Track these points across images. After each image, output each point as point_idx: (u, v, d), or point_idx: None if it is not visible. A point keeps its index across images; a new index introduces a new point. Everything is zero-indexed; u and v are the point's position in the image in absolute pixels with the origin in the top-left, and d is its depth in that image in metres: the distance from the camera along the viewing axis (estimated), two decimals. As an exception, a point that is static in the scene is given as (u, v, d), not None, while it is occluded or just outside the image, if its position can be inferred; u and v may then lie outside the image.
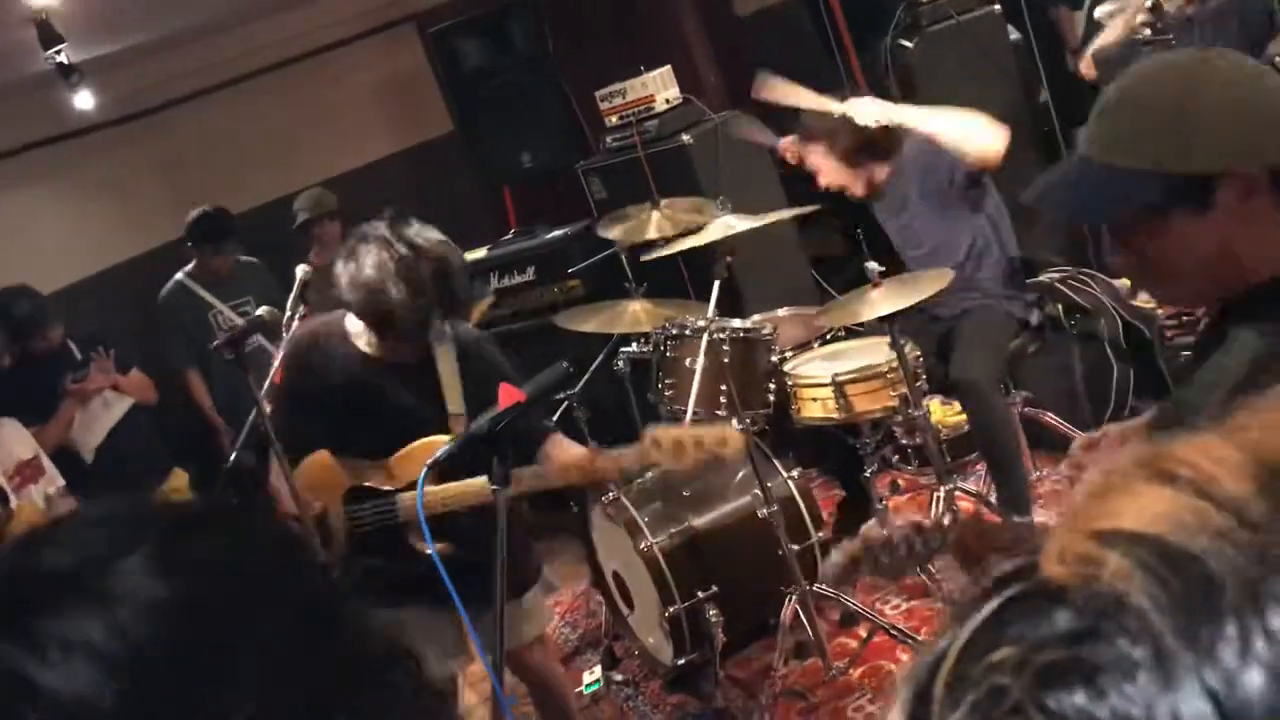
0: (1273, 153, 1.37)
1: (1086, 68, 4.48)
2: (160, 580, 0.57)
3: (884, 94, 5.32)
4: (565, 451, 2.71)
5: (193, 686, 0.55)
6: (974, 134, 3.46)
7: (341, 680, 0.60)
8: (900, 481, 4.55)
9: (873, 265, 3.42)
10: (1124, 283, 4.47)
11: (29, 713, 0.53)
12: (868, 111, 3.60)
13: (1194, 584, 0.32)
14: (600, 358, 4.36)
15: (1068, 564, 0.35)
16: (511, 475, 2.08)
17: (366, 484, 2.83)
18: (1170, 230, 1.40)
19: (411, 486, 2.65)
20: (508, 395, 1.90)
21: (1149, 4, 2.79)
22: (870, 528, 1.67)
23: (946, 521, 1.66)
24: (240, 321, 4.99)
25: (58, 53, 4.37)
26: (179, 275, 5.22)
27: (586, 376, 4.31)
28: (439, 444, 2.63)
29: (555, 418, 4.31)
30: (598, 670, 4.01)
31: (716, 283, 3.45)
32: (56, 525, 0.61)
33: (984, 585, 0.37)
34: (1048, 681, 0.33)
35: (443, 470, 2.38)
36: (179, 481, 4.65)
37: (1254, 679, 0.31)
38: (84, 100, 5.23)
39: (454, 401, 2.78)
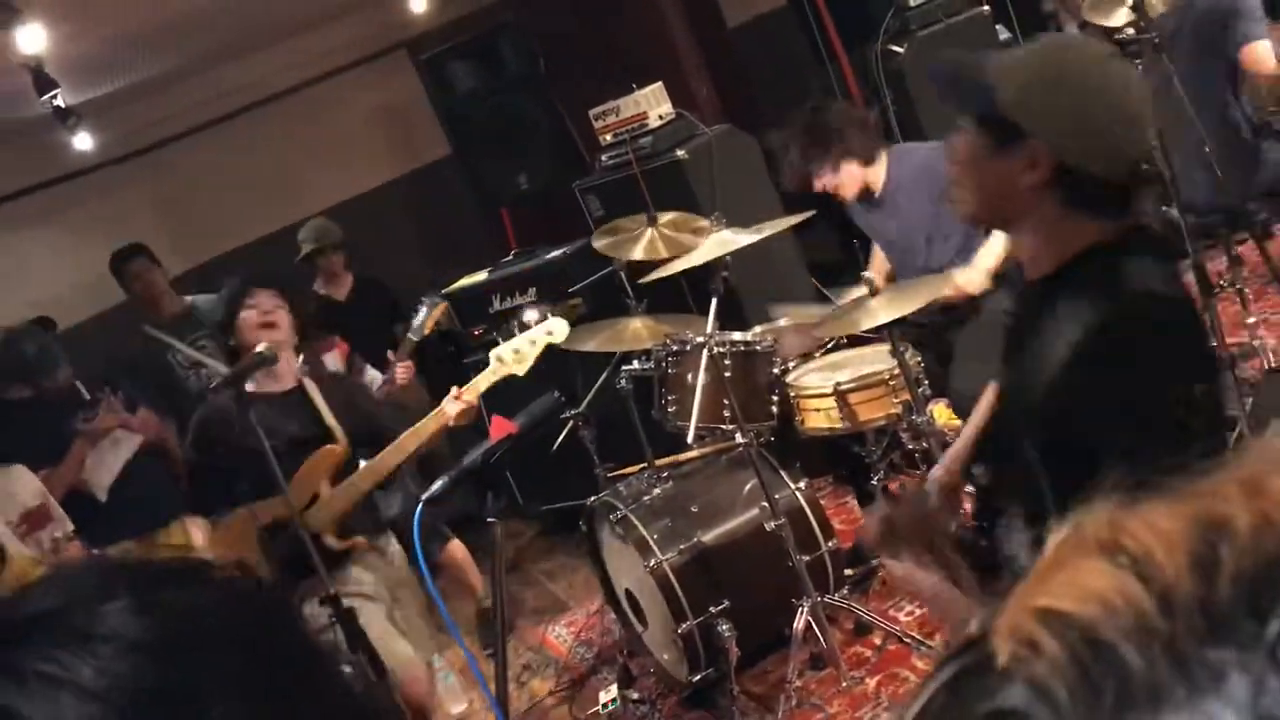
0: (1065, 151, 1.63)
1: None
2: (141, 622, 0.60)
3: (877, 99, 5.35)
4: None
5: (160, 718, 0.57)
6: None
7: (313, 714, 0.62)
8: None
9: (869, 274, 3.42)
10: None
11: None
12: (974, 283, 3.74)
13: (1106, 679, 0.33)
14: (603, 376, 4.36)
15: (1010, 641, 0.35)
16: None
17: (272, 520, 3.20)
18: (974, 147, 1.72)
19: (308, 507, 3.25)
20: (500, 427, 1.92)
21: (1130, 2, 2.80)
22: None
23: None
24: (202, 358, 5.01)
25: (53, 98, 4.40)
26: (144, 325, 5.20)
27: (590, 396, 4.32)
28: (329, 454, 3.29)
29: (561, 438, 4.33)
30: (614, 689, 4.00)
31: (714, 299, 3.45)
32: (44, 576, 0.64)
33: (946, 651, 0.38)
34: None
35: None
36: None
37: None
38: (83, 141, 5.28)
39: (329, 416, 3.33)
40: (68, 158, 5.44)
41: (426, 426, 3.23)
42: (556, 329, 3.32)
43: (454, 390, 3.26)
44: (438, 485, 1.87)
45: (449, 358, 6.05)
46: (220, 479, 3.25)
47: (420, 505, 1.81)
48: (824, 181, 4.03)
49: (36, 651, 0.58)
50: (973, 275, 3.76)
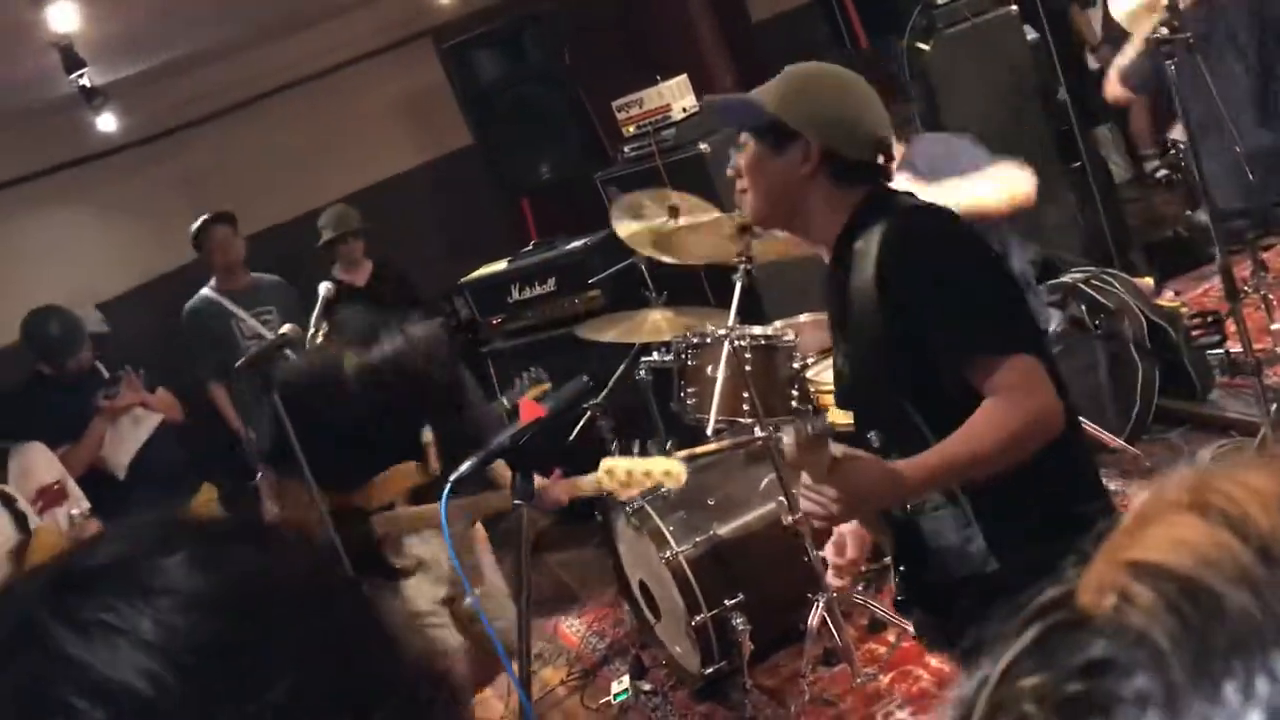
0: (831, 140, 1.97)
1: (1112, 90, 4.43)
2: (200, 577, 0.60)
3: (903, 96, 5.32)
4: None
5: (229, 678, 0.57)
6: (998, 193, 3.46)
7: (373, 687, 0.61)
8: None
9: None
10: (1147, 282, 4.44)
11: (72, 693, 0.55)
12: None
13: (1211, 623, 0.33)
14: (622, 367, 4.36)
15: (1102, 594, 0.35)
16: (478, 501, 2.30)
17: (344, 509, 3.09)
18: (753, 152, 2.05)
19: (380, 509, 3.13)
20: (529, 410, 1.91)
21: (1165, 4, 2.78)
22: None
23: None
24: (265, 331, 5.06)
25: (80, 76, 4.42)
26: (205, 289, 5.29)
27: (609, 387, 4.32)
28: (412, 470, 3.12)
29: (579, 428, 4.33)
30: (626, 680, 4.01)
31: (737, 290, 3.44)
32: (106, 530, 0.65)
33: (1027, 612, 0.37)
34: (1066, 713, 0.34)
35: None
36: (208, 495, 4.69)
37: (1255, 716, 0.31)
38: (107, 122, 5.29)
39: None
40: (93, 138, 5.46)
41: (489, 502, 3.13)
42: (675, 471, 2.78)
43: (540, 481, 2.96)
44: (466, 466, 1.87)
45: (466, 346, 6.07)
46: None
47: (448, 487, 1.81)
48: None
49: (97, 601, 0.58)
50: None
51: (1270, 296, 4.11)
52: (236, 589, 0.61)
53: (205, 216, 5.27)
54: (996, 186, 3.49)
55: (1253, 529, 0.34)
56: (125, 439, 4.54)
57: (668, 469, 2.64)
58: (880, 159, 2.03)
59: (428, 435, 3.08)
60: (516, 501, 1.79)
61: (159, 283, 5.96)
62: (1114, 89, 4.38)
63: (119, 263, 5.94)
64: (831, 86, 2.04)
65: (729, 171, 2.09)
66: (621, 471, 2.59)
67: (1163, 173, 6.43)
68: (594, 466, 4.29)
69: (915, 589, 2.13)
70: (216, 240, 5.25)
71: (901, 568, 2.15)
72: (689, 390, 3.68)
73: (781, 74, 2.08)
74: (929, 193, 3.47)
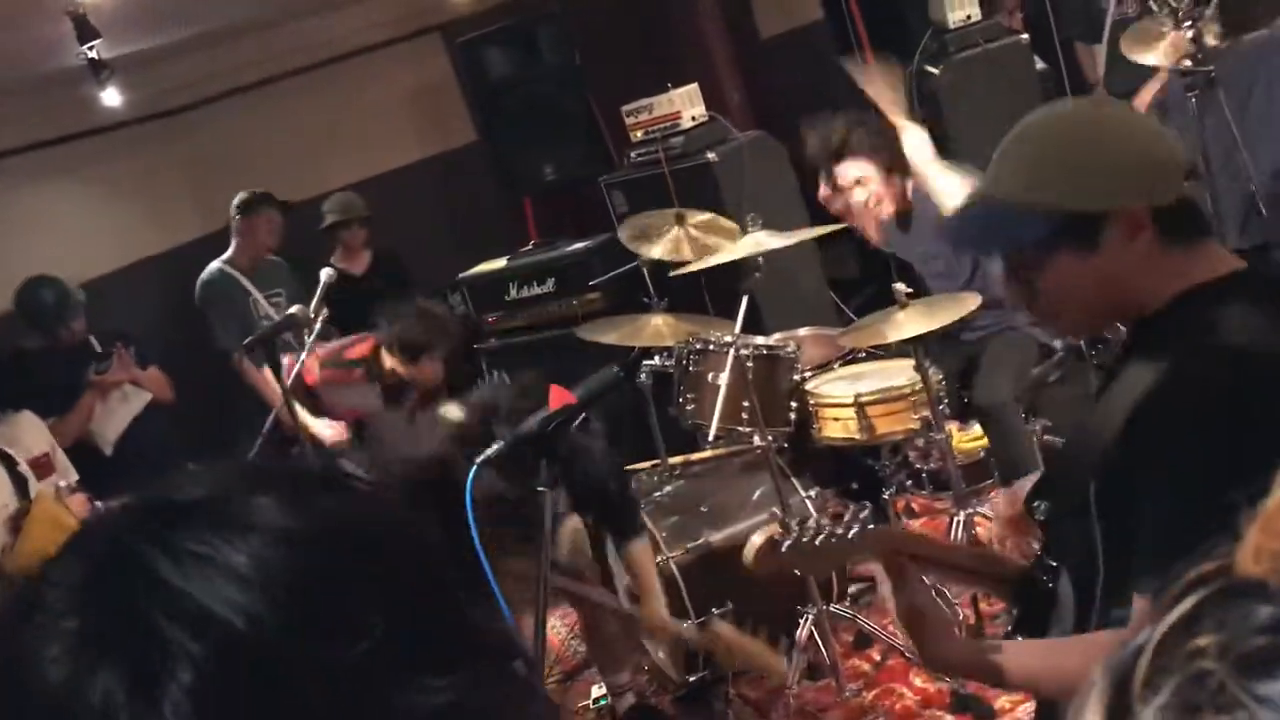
0: (1154, 194, 1.47)
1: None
2: (294, 516, 0.59)
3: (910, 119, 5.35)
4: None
5: (323, 619, 0.56)
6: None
7: (459, 644, 0.61)
8: (915, 506, 4.54)
9: (900, 286, 3.42)
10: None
11: (164, 620, 0.54)
12: (910, 144, 3.61)
13: None
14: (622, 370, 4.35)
15: (1264, 562, 0.36)
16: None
17: None
18: (1058, 266, 1.51)
19: None
20: (558, 396, 1.91)
21: (1190, 36, 2.81)
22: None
23: (866, 523, 1.61)
24: (275, 314, 5.05)
25: (91, 48, 4.39)
26: (217, 262, 5.24)
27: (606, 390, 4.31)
28: None
29: (574, 428, 4.31)
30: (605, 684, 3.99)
31: (745, 298, 3.45)
32: (190, 470, 0.63)
33: (1178, 586, 0.38)
34: (1253, 667, 0.34)
35: None
36: None
37: None
38: (111, 97, 5.26)
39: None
40: (97, 112, 5.41)
41: None
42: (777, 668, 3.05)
43: None
44: (493, 449, 1.86)
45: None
46: None
47: (474, 469, 1.80)
48: (870, 190, 3.92)
49: (190, 533, 0.57)
50: (917, 146, 3.69)
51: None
52: (328, 530, 0.60)
53: (257, 191, 5.24)
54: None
55: None
56: (114, 415, 4.52)
57: (772, 663, 2.82)
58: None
59: None
60: (540, 488, 1.78)
61: (155, 261, 5.92)
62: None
63: (115, 240, 5.90)
64: (1096, 134, 1.54)
65: (1008, 292, 1.60)
66: (728, 642, 2.72)
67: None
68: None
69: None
70: (265, 219, 5.23)
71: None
72: (689, 396, 3.69)
73: (1009, 148, 1.57)
74: None
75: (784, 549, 1.61)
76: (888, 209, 3.92)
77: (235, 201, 5.23)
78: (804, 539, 1.63)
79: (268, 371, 4.75)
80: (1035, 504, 1.71)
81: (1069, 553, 1.60)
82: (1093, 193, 1.47)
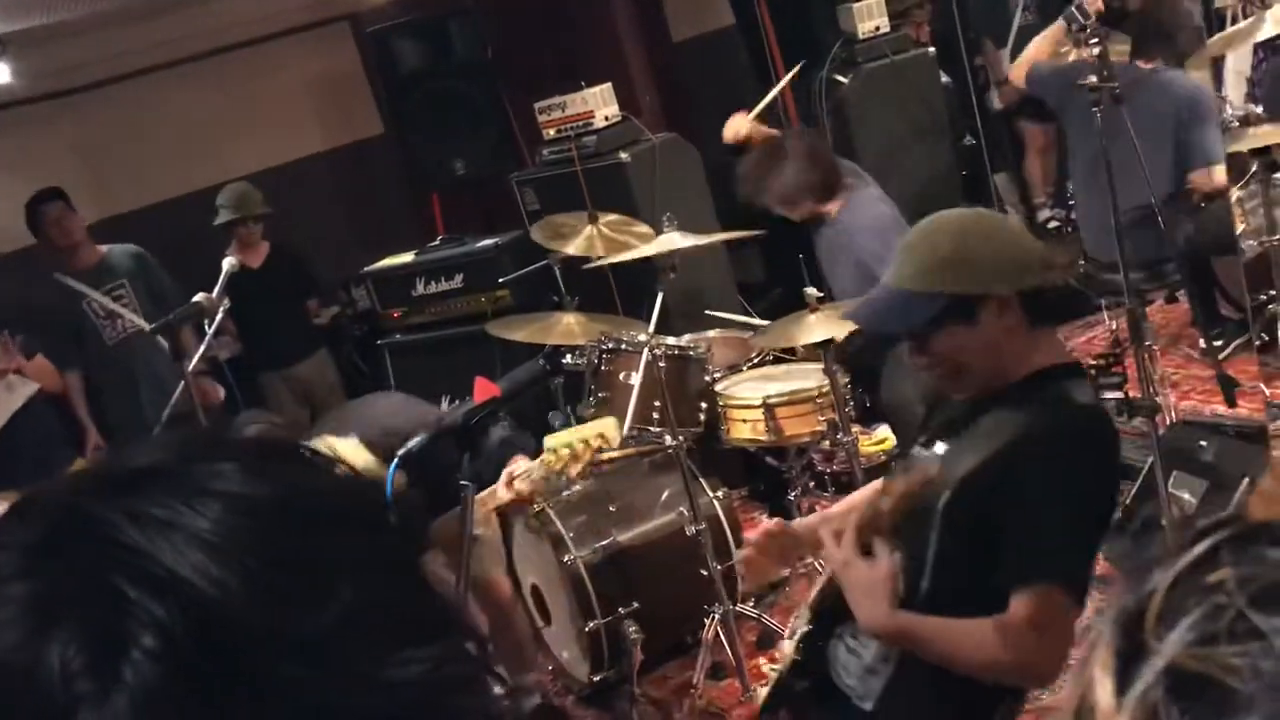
0: (1019, 282, 1.87)
1: (1018, 73, 4.61)
2: (259, 484, 0.57)
3: (815, 126, 5.44)
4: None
5: (293, 586, 0.54)
6: None
7: (426, 620, 0.60)
8: (818, 508, 4.59)
9: (811, 290, 3.47)
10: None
11: (127, 583, 0.52)
12: None
13: None
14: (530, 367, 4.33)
15: (1275, 507, 0.37)
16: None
17: None
18: (947, 337, 1.90)
19: None
20: (483, 389, 1.88)
21: (1097, 51, 2.90)
22: None
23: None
24: (119, 308, 4.90)
25: (-19, 22, 4.21)
26: (55, 274, 5.00)
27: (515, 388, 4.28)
28: None
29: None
30: (509, 683, 3.96)
31: (660, 298, 3.46)
32: (149, 437, 0.61)
33: (1189, 534, 0.39)
34: (1270, 600, 0.35)
35: None
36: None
37: None
38: (2, 74, 5.06)
39: None
40: (-18, 90, 5.20)
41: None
42: (609, 433, 2.74)
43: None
44: (414, 442, 1.83)
45: (363, 338, 5.95)
46: None
47: (395, 462, 1.76)
48: (801, 210, 3.98)
49: (151, 497, 0.55)
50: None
51: (1154, 346, 4.30)
52: (292, 500, 0.58)
53: (32, 196, 4.94)
54: None
55: None
56: (-2, 404, 4.34)
57: (601, 431, 2.62)
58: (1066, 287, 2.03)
59: None
60: (464, 484, 1.76)
61: (41, 249, 5.70)
62: (1019, 75, 4.54)
63: (2, 224, 5.66)
64: (978, 230, 1.93)
65: (925, 366, 1.96)
66: (563, 447, 2.50)
67: (1054, 223, 6.67)
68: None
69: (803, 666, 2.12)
70: (50, 220, 4.91)
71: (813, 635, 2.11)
72: (600, 395, 3.68)
73: (908, 247, 1.96)
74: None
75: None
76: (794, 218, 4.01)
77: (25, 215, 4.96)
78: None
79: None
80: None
81: (911, 563, 1.90)
82: (970, 280, 1.86)
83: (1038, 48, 4.53)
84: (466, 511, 1.75)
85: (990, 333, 1.87)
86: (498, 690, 0.65)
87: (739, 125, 4.35)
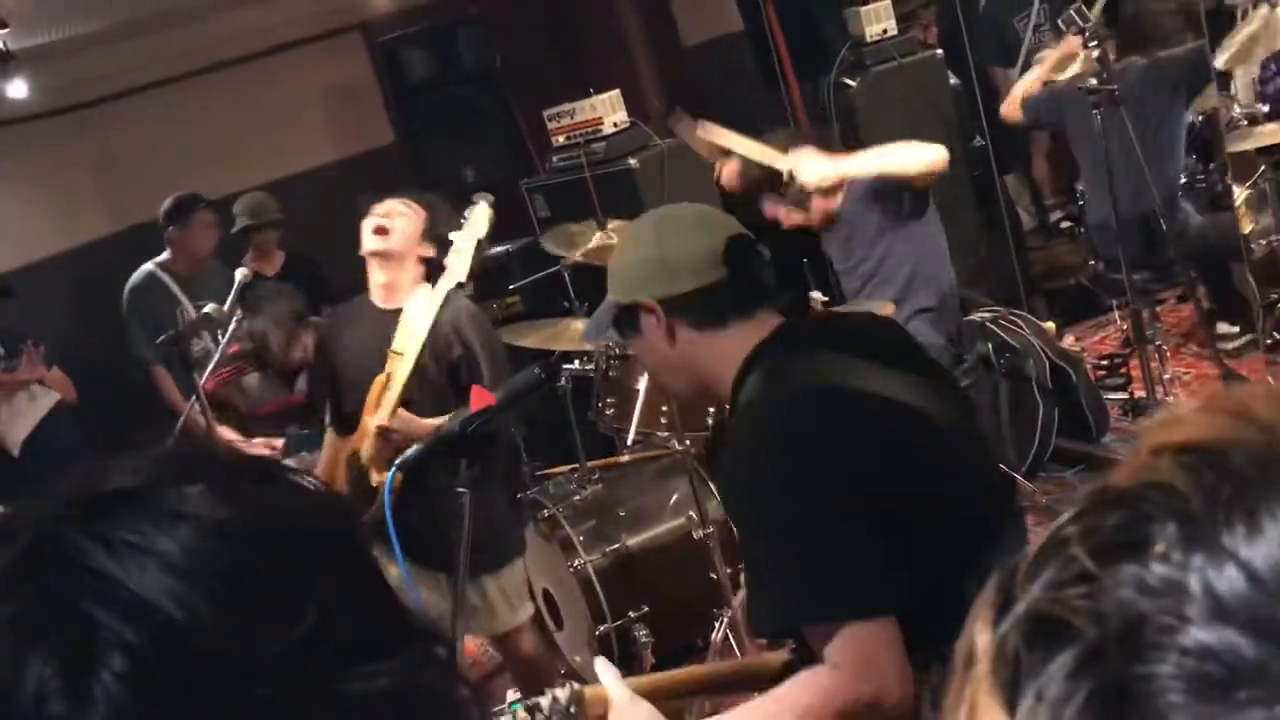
0: (663, 289, 1.72)
1: (1009, 109, 4.65)
2: (226, 506, 0.59)
3: (825, 128, 5.45)
4: None
5: (260, 608, 0.57)
6: (915, 158, 3.57)
7: (390, 632, 0.62)
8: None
9: (816, 295, 3.48)
10: (1050, 326, 4.61)
11: (97, 607, 0.54)
12: (812, 170, 3.67)
13: (1221, 474, 0.40)
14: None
15: (1132, 474, 0.42)
16: None
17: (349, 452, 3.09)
18: (635, 347, 1.84)
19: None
20: (479, 398, 1.92)
21: (1095, 55, 2.91)
22: None
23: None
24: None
25: (-2, 38, 4.28)
26: (149, 264, 5.09)
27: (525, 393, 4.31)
28: (375, 384, 2.99)
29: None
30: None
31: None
32: (124, 456, 0.63)
33: (1070, 504, 0.43)
34: (1108, 552, 0.40)
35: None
36: None
37: (1261, 545, 0.38)
38: (17, 89, 5.12)
39: (410, 341, 2.96)
40: (1, 105, 5.27)
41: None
42: (479, 218, 3.02)
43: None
44: (412, 452, 1.86)
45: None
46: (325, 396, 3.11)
47: (392, 470, 1.80)
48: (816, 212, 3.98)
49: (122, 522, 0.57)
50: (820, 167, 3.70)
51: (1164, 347, 4.30)
52: (259, 521, 0.61)
53: (185, 195, 5.04)
54: (913, 153, 3.58)
55: (1255, 416, 0.42)
56: (22, 415, 4.39)
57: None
58: (727, 270, 1.72)
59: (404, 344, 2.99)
60: (461, 490, 1.79)
61: (61, 259, 5.77)
62: (1012, 110, 4.57)
63: (20, 236, 5.73)
64: (627, 244, 1.87)
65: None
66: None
67: (1066, 224, 6.67)
68: (505, 475, 4.33)
69: None
70: (201, 224, 5.03)
71: None
72: (608, 400, 3.71)
73: (615, 253, 1.90)
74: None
75: None
76: (814, 223, 4.04)
77: (163, 209, 5.02)
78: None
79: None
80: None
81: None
82: (621, 289, 1.78)
83: (1025, 84, 4.58)
84: (464, 515, 1.78)
85: (653, 341, 1.76)
86: (465, 694, 0.68)
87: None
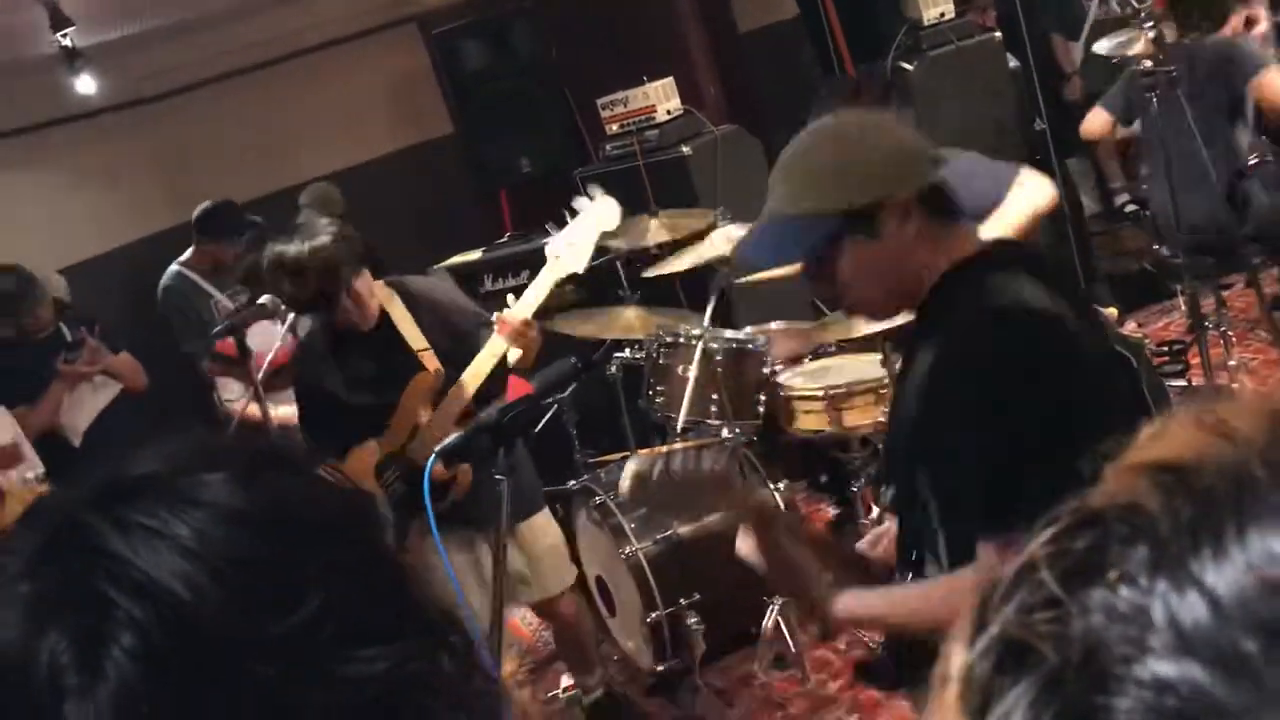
0: (913, 181, 1.66)
1: (1073, 90, 4.55)
2: (241, 495, 0.62)
3: (889, 110, 5.39)
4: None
5: (263, 591, 0.59)
6: (1029, 213, 3.36)
7: (395, 618, 0.63)
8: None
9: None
10: (1112, 312, 4.52)
11: (110, 587, 0.57)
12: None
13: (1191, 494, 0.38)
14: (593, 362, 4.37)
15: (1106, 493, 0.41)
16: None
17: (384, 456, 3.16)
18: (849, 257, 1.68)
19: (411, 438, 3.10)
20: (516, 387, 1.93)
21: (1152, 36, 2.84)
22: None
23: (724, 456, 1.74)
24: (233, 307, 5.01)
25: (64, 36, 4.38)
26: (175, 265, 5.21)
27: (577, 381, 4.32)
28: (422, 381, 3.10)
29: (544, 421, 4.33)
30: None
31: (717, 291, 3.47)
32: (150, 445, 0.66)
33: (1041, 523, 0.41)
34: (1076, 577, 0.38)
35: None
36: None
37: (1227, 571, 0.36)
38: (85, 85, 5.24)
39: (416, 339, 3.10)
40: (68, 101, 5.39)
41: (482, 365, 3.01)
42: (606, 212, 3.01)
43: (496, 316, 3.01)
44: (451, 440, 1.88)
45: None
46: (330, 420, 3.16)
47: (432, 458, 1.81)
48: None
49: (140, 507, 0.60)
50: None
51: (1230, 332, 4.20)
52: (272, 509, 0.63)
53: (224, 211, 5.16)
54: (1027, 207, 3.38)
55: (1236, 433, 0.40)
56: (84, 404, 4.49)
57: (600, 211, 2.87)
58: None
59: (419, 342, 3.10)
60: (498, 477, 1.80)
61: (127, 250, 5.90)
62: (1096, 122, 4.47)
63: (87, 228, 5.87)
64: (856, 133, 1.72)
65: (814, 292, 1.77)
66: (562, 245, 2.74)
67: (1131, 207, 6.53)
68: (559, 463, 4.35)
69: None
70: (233, 243, 5.11)
71: None
72: (658, 388, 3.71)
73: (783, 170, 1.75)
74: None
75: (653, 478, 1.71)
76: None
77: (198, 214, 5.14)
78: (672, 465, 1.73)
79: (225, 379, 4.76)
80: (884, 489, 1.81)
81: (925, 538, 1.68)
82: (861, 190, 1.65)
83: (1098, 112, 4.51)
84: (502, 502, 1.79)
85: (896, 243, 1.66)
86: (481, 683, 0.69)
87: None
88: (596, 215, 3.07)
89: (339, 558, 0.63)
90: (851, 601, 1.69)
